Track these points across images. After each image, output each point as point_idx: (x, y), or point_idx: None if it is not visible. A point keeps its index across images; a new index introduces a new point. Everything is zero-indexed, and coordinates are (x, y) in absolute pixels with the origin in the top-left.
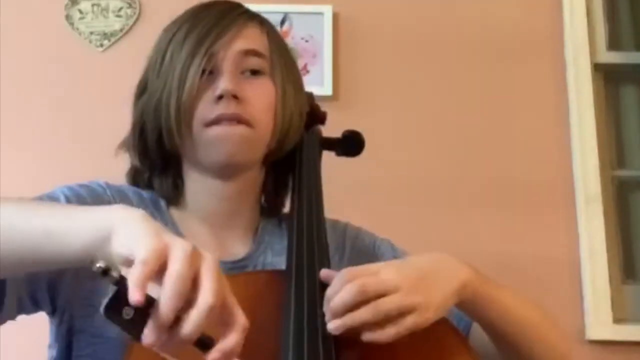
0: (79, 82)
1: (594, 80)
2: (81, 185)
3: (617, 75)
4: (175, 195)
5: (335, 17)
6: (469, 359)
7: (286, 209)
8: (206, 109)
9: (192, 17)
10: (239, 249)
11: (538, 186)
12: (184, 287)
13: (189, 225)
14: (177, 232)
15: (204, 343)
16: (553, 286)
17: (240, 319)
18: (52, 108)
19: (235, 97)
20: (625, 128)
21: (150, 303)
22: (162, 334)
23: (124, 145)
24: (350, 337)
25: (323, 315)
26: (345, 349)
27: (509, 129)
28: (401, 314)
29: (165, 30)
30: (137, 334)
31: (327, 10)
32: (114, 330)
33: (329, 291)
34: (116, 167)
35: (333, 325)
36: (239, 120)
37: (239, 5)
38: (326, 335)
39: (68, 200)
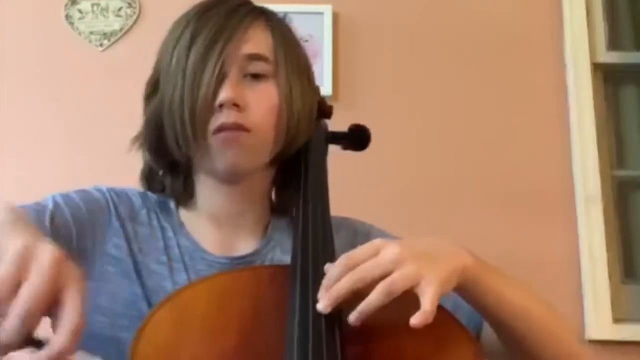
0: (79, 82)
1: (594, 80)
2: (78, 191)
3: (617, 75)
4: (185, 195)
5: (335, 17)
6: (473, 351)
7: None
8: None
9: (200, 15)
10: (247, 246)
11: (538, 186)
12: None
13: (196, 225)
14: (184, 232)
15: (34, 346)
16: (553, 286)
17: (69, 315)
18: (52, 108)
19: (236, 105)
20: (625, 128)
21: None
22: None
23: (138, 140)
24: (356, 332)
25: (328, 320)
26: (350, 345)
27: (509, 129)
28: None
29: (174, 27)
30: None
31: (327, 10)
32: (107, 329)
33: (326, 278)
34: (117, 167)
35: (323, 305)
36: (239, 129)
37: (245, 3)
38: (331, 331)
39: (57, 207)
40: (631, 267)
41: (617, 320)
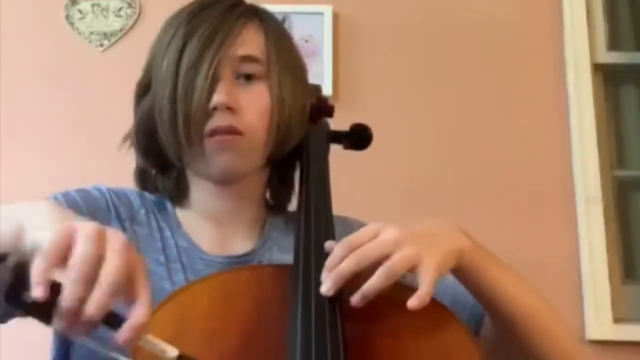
0: (79, 82)
1: (594, 80)
2: (78, 190)
3: (617, 75)
4: (178, 195)
5: (335, 17)
6: (473, 347)
7: (292, 206)
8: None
9: (193, 15)
10: (243, 245)
11: (538, 186)
12: (87, 270)
13: (193, 224)
14: (181, 232)
15: (114, 321)
16: (553, 286)
17: (144, 292)
18: (52, 108)
19: (229, 108)
20: (625, 128)
21: (56, 288)
22: (71, 318)
23: (128, 138)
24: (355, 314)
25: (330, 320)
26: (353, 342)
27: (509, 129)
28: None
29: (166, 27)
30: (45, 319)
31: (327, 10)
32: (108, 331)
33: (328, 261)
34: (116, 167)
35: (326, 287)
36: (232, 132)
37: (238, 3)
38: (334, 328)
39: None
40: (631, 267)
41: (617, 320)
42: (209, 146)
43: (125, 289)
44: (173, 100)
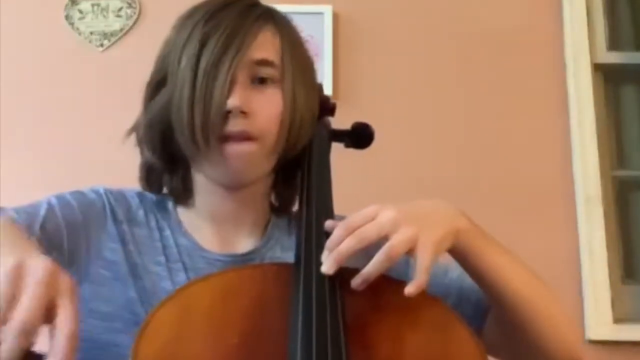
0: (79, 82)
1: (594, 80)
2: (74, 193)
3: (617, 75)
4: (184, 193)
5: (335, 17)
6: (471, 342)
7: (295, 206)
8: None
9: (211, 15)
10: (246, 244)
11: (538, 186)
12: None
13: (194, 223)
14: (182, 231)
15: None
16: (553, 286)
17: (62, 335)
18: (52, 108)
19: (243, 112)
20: (625, 128)
21: None
22: None
23: (134, 131)
24: (360, 317)
25: (331, 307)
26: (353, 344)
27: (509, 129)
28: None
29: (181, 26)
30: None
31: (327, 10)
32: (102, 333)
33: (329, 241)
34: (116, 166)
35: (326, 266)
36: (245, 137)
37: (255, 4)
38: (335, 327)
39: (50, 209)
40: (631, 267)
41: (617, 320)
42: (221, 152)
43: (47, 320)
44: (191, 102)
